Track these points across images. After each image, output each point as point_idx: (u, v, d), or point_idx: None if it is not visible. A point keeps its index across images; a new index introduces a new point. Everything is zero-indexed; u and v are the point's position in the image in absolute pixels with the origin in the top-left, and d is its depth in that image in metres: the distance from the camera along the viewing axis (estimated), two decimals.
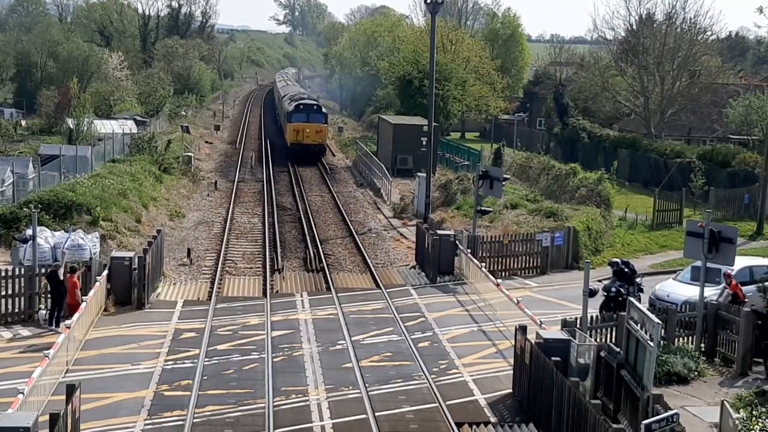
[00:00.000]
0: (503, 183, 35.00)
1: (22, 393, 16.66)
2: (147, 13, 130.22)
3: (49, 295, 25.49)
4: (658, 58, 68.73)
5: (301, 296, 29.49)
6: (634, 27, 73.40)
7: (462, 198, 44.50)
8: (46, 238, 29.25)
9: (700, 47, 71.15)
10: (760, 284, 24.07)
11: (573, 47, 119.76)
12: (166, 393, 20.16)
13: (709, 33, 73.58)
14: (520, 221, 38.63)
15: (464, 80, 77.86)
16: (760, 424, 17.43)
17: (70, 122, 60.67)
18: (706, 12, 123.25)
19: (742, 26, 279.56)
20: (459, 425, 18.66)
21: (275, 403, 19.54)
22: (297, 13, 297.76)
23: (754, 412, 18.14)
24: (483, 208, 34.95)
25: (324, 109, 66.99)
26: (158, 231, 32.10)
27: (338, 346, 24.01)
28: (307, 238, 38.76)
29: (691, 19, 71.24)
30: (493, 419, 19.17)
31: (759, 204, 44.29)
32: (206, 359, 22.53)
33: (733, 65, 79.62)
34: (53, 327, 24.55)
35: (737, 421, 17.44)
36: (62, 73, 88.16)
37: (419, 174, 46.01)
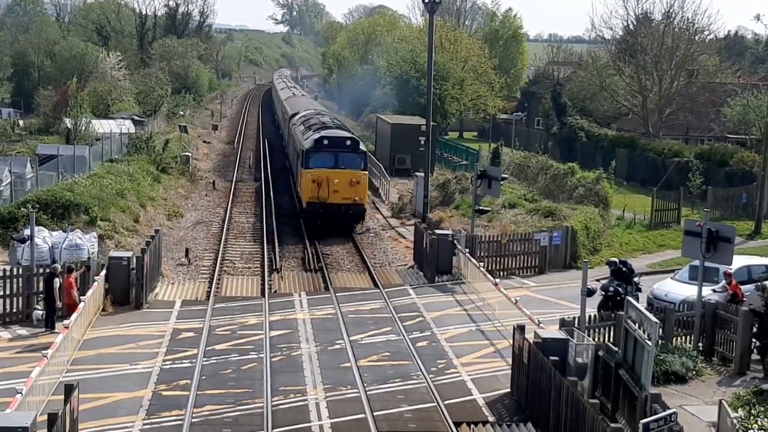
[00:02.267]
0: (501, 182, 35.02)
1: (21, 393, 16.66)
2: (144, 12, 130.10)
3: (43, 297, 25.52)
4: (656, 58, 68.81)
5: (300, 296, 29.49)
6: (632, 26, 73.47)
7: (460, 197, 44.51)
8: (44, 238, 29.24)
9: (698, 46, 71.24)
10: (759, 283, 24.12)
11: (571, 47, 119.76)
12: (164, 393, 20.16)
13: (707, 32, 73.77)
14: (518, 221, 38.66)
15: (462, 80, 77.85)
16: (758, 423, 17.44)
17: (68, 122, 60.61)
18: (704, 11, 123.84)
19: (740, 25, 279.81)
20: (457, 424, 18.66)
21: (273, 403, 19.54)
22: (295, 13, 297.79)
23: (752, 412, 18.15)
24: (481, 208, 34.97)
25: (362, 145, 41.08)
26: (156, 231, 32.09)
27: (336, 346, 24.01)
28: (305, 237, 38.75)
29: (689, 18, 71.44)
30: (491, 418, 19.18)
31: (757, 203, 44.34)
32: (204, 359, 22.53)
33: (731, 64, 79.66)
34: (48, 328, 24.54)
35: (735, 421, 17.45)
36: (60, 73, 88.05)
37: (417, 173, 46.02)
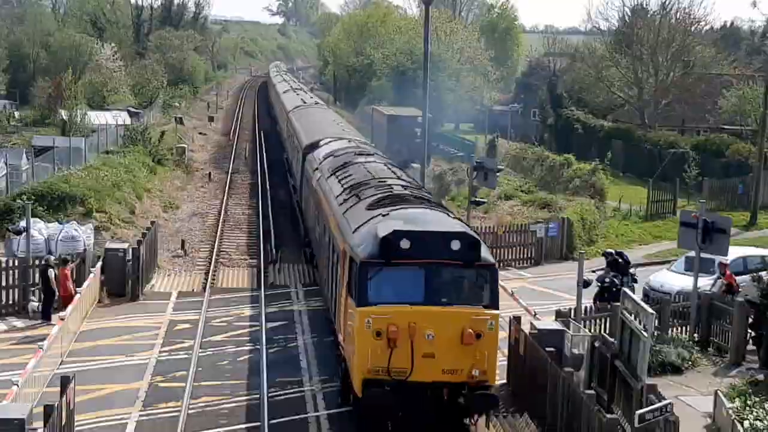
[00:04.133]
0: (497, 174, 35.03)
1: (17, 384, 16.66)
2: (140, 3, 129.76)
3: (38, 289, 25.54)
4: (652, 49, 68.75)
5: (296, 287, 29.49)
6: (628, 18, 73.40)
7: (456, 189, 44.51)
8: (40, 229, 29.15)
9: (694, 38, 71.19)
10: (754, 274, 24.16)
11: (567, 38, 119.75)
12: (160, 384, 20.19)
13: (703, 23, 73.73)
14: (514, 212, 38.72)
15: (458, 71, 77.79)
16: (753, 413, 17.50)
17: (64, 114, 60.49)
18: (700, 2, 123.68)
19: (736, 16, 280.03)
20: None
21: (270, 394, 19.55)
22: (290, 4, 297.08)
23: (747, 402, 18.21)
24: (477, 199, 35.00)
25: (485, 250, 17.76)
26: (152, 222, 32.12)
27: (333, 337, 23.98)
28: (302, 229, 38.69)
29: (685, 9, 71.41)
30: None
31: (752, 194, 44.40)
32: (201, 350, 22.54)
33: (727, 55, 79.59)
34: (44, 320, 24.55)
35: (731, 411, 17.52)
36: (55, 64, 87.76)
37: (413, 164, 45.98)
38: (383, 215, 18.36)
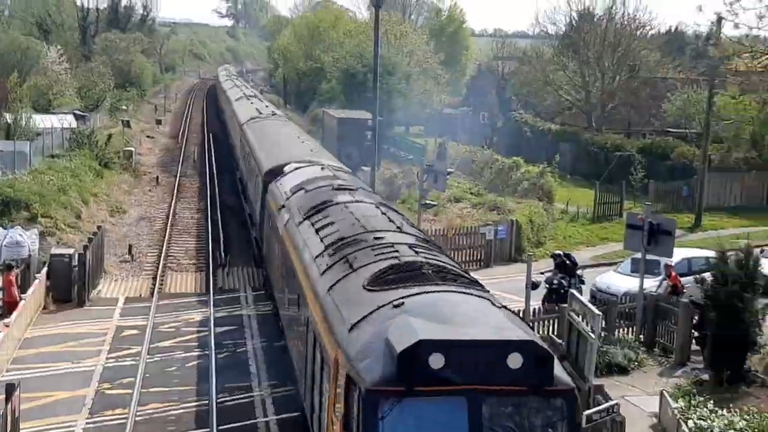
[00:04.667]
0: (447, 177, 35.20)
1: None
2: (86, 5, 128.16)
3: None
4: (598, 53, 69.58)
5: (245, 292, 29.35)
6: (575, 22, 74.22)
7: (406, 191, 44.63)
8: None
9: (640, 42, 72.18)
10: (698, 276, 24.55)
11: (515, 41, 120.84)
12: (107, 391, 19.95)
13: (648, 28, 74.78)
14: (464, 214, 38.93)
15: (408, 74, 77.98)
16: (697, 412, 17.78)
17: (8, 117, 59.45)
18: (645, 7, 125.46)
19: (680, 21, 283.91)
20: None
21: (219, 400, 19.42)
22: (240, 6, 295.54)
23: (692, 402, 18.50)
24: (427, 202, 35.09)
25: (559, 369, 11.13)
26: (99, 227, 31.76)
27: (282, 342, 23.91)
28: (252, 233, 38.49)
29: (630, 14, 72.39)
30: None
31: (697, 196, 45.13)
32: (148, 357, 22.33)
33: (672, 59, 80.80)
34: None
35: (676, 411, 17.79)
36: (0, 67, 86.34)
37: (364, 167, 45.99)
38: (395, 305, 11.90)
